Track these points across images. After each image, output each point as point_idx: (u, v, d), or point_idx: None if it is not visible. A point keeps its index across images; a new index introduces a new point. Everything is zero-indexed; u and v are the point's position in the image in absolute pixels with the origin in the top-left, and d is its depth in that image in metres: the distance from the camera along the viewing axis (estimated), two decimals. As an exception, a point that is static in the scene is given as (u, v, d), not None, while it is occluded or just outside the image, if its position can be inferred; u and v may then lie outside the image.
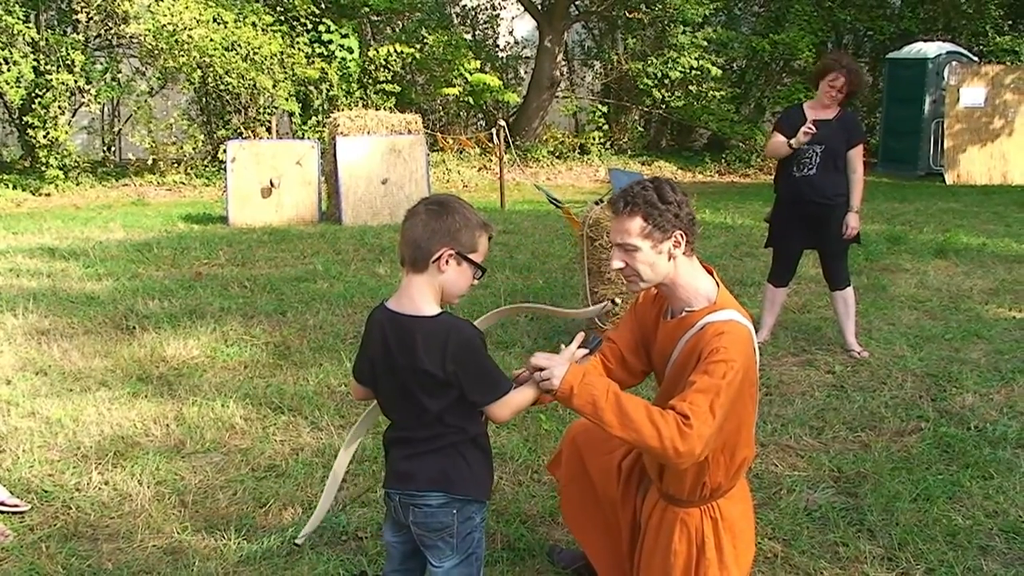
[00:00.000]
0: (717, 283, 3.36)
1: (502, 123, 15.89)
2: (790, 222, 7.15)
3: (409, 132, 14.13)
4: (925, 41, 20.48)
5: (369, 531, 4.47)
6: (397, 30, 21.24)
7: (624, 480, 3.70)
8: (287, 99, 18.22)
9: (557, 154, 21.29)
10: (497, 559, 4.16)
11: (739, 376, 3.13)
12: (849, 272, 7.30)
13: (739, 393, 3.17)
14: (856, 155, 7.03)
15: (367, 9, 20.06)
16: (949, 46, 19.98)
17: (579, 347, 3.30)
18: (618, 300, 3.38)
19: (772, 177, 7.52)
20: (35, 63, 16.93)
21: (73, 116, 18.21)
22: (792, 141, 6.88)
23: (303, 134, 18.52)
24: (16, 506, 4.75)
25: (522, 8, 22.33)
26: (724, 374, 3.09)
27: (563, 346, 3.31)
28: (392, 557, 3.31)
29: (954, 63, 19.10)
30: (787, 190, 7.11)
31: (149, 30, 16.65)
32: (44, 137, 16.85)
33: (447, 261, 3.00)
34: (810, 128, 6.77)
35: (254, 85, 17.69)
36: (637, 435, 3.03)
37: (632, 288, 3.41)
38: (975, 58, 20.02)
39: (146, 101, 18.22)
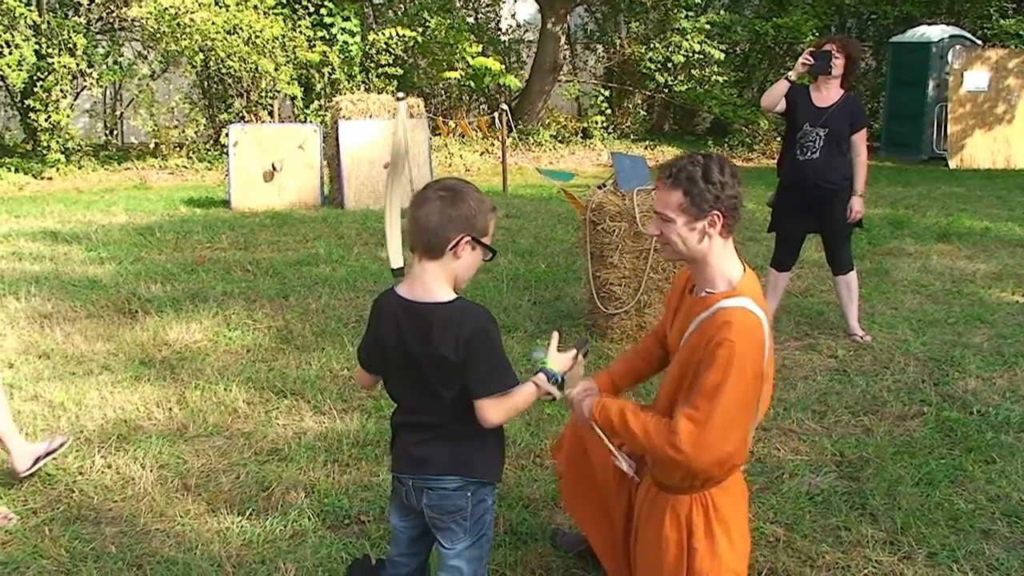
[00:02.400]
0: (744, 269, 3.35)
1: (504, 107, 15.84)
2: (793, 206, 7.14)
3: (411, 116, 14.09)
4: (929, 25, 20.40)
5: (372, 515, 4.48)
6: (399, 13, 21.15)
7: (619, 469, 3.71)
8: (289, 83, 18.16)
9: (560, 138, 21.23)
10: (500, 543, 4.17)
11: (746, 375, 3.13)
12: (852, 257, 7.29)
13: (752, 387, 3.18)
14: (859, 139, 7.02)
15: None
16: (953, 29, 19.89)
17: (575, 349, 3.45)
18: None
19: (775, 161, 7.51)
20: (37, 46, 16.88)
21: (75, 99, 18.16)
22: (791, 74, 7.02)
23: (305, 118, 18.47)
24: (63, 443, 4.95)
25: (524, -9, 22.29)
26: (728, 376, 3.10)
27: (554, 333, 3.39)
28: (399, 541, 3.32)
29: (958, 47, 19.02)
30: (790, 174, 7.11)
31: (151, 13, 16.58)
32: (46, 120, 16.81)
33: (463, 247, 3.02)
34: (808, 59, 6.90)
35: (256, 69, 17.63)
36: (643, 449, 3.29)
37: (664, 256, 3.51)
38: (979, 42, 19.94)
39: (148, 84, 18.18)
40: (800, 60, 6.96)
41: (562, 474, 3.97)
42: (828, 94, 6.99)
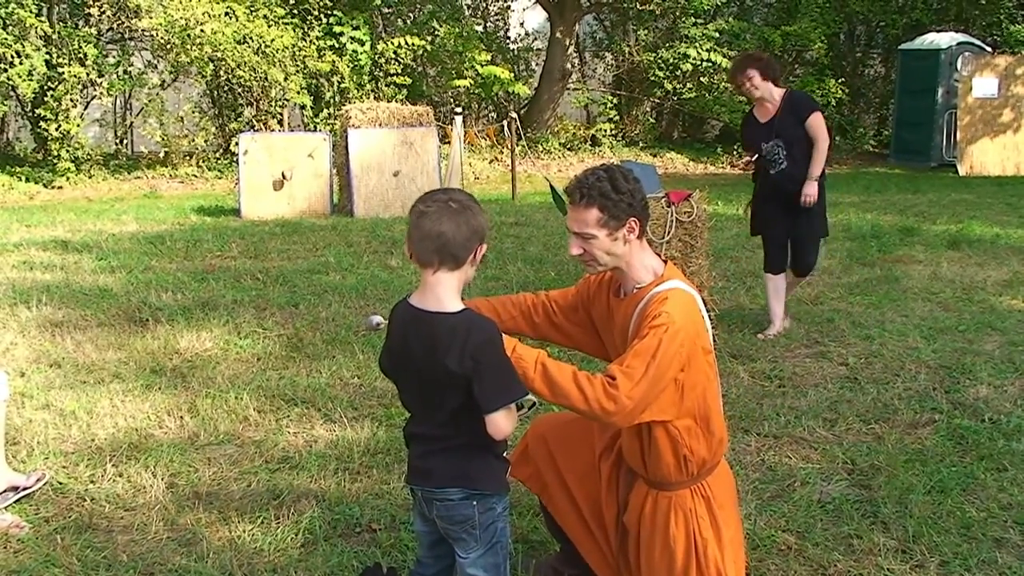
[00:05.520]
0: (664, 261, 3.52)
1: (513, 115, 15.86)
2: (772, 208, 7.32)
3: (421, 124, 14.13)
4: (938, 32, 20.39)
5: (383, 523, 4.48)
6: (408, 22, 21.23)
7: (606, 481, 3.73)
8: (298, 92, 18.22)
9: (568, 146, 21.27)
10: (510, 551, 4.15)
11: (680, 336, 3.24)
12: (816, 261, 7.52)
13: (688, 356, 3.28)
14: (814, 124, 7.07)
15: (378, 2, 20.05)
16: (962, 36, 19.90)
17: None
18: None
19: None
20: (47, 56, 16.96)
21: (85, 109, 18.25)
22: (740, 168, 7.46)
23: (315, 126, 18.52)
24: (39, 479, 4.80)
25: (533, 0, 22.30)
26: (661, 337, 3.21)
27: None
28: (422, 544, 3.37)
29: (967, 54, 19.01)
30: (766, 185, 7.31)
31: (161, 24, 16.66)
32: (56, 130, 16.88)
33: (479, 254, 3.10)
34: (747, 165, 7.24)
35: (266, 78, 17.70)
36: (567, 400, 3.20)
37: (589, 272, 3.59)
38: (988, 48, 19.92)
39: (158, 94, 18.26)
40: (740, 167, 7.38)
41: (539, 491, 3.96)
42: (770, 105, 7.16)
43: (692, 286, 3.46)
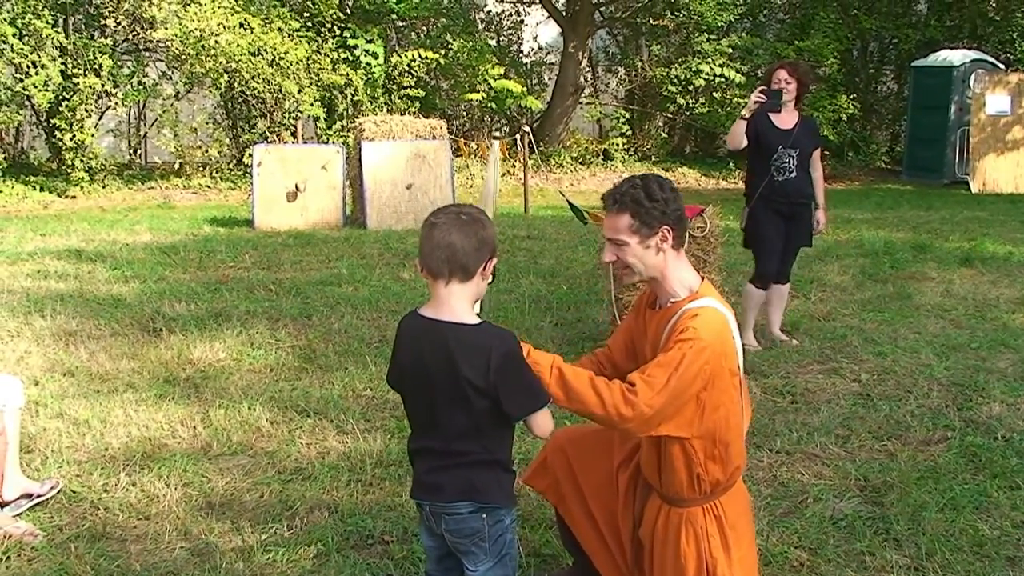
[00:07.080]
0: (702, 277, 3.53)
1: (526, 129, 15.88)
2: (776, 215, 7.38)
3: (434, 137, 14.17)
4: (951, 49, 20.40)
5: (395, 535, 4.49)
6: (422, 35, 21.29)
7: (623, 493, 3.73)
8: (312, 104, 18.28)
9: (581, 160, 21.28)
10: (522, 564, 4.16)
11: (705, 354, 3.25)
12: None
13: (712, 375, 3.28)
14: (817, 158, 7.51)
15: (393, 15, 20.13)
16: (974, 54, 19.89)
17: None
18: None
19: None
20: (63, 67, 17.03)
21: (100, 119, 18.31)
22: (745, 112, 7.28)
23: (328, 139, 18.57)
24: (53, 487, 4.83)
25: (547, 14, 22.35)
26: (685, 351, 3.23)
27: None
28: (430, 558, 3.38)
29: (979, 71, 19.00)
30: (772, 195, 7.33)
31: (176, 35, 16.74)
32: (71, 140, 16.92)
33: (489, 267, 3.13)
34: (760, 98, 7.15)
35: (280, 90, 17.76)
36: (583, 405, 3.22)
37: (625, 281, 3.63)
38: (1001, 66, 19.92)
39: (172, 105, 18.32)
40: (752, 98, 7.24)
41: (556, 502, 3.97)
42: (788, 116, 7.30)
43: (727, 306, 3.46)
